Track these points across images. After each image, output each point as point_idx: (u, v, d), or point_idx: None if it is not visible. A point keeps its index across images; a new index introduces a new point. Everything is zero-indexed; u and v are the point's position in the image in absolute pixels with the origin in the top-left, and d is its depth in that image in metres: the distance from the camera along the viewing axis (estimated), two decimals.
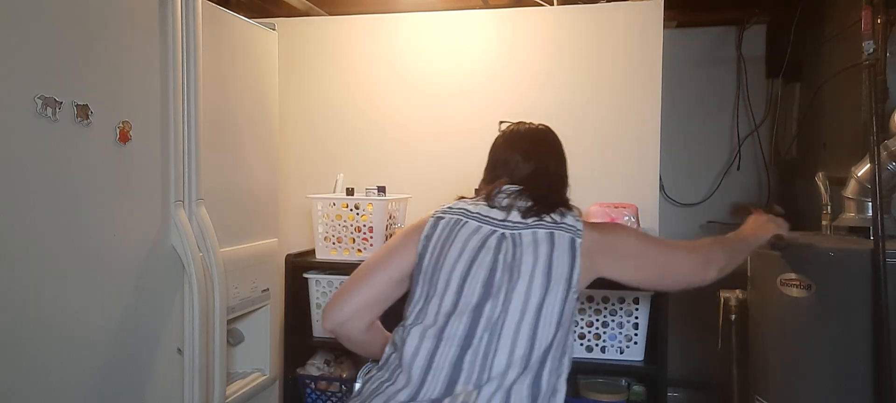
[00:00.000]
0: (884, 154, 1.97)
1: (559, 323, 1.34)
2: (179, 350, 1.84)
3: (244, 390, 2.13)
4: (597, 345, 2.21)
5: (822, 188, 2.19)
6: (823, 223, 2.19)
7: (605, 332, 2.21)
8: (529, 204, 1.46)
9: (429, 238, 1.45)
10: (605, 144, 2.65)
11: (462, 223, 1.45)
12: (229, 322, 2.01)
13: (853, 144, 2.42)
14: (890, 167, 1.98)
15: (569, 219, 1.44)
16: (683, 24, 3.26)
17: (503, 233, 1.41)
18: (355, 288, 1.48)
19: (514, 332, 1.31)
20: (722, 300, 2.40)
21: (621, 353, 2.20)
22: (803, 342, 1.99)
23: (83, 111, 1.52)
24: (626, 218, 2.27)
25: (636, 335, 2.19)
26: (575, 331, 2.22)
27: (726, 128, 3.34)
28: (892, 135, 2.04)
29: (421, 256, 1.45)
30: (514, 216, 1.44)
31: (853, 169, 2.11)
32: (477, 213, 1.47)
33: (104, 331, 1.61)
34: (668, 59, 2.65)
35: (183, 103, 1.83)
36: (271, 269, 2.29)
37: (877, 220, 1.87)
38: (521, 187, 1.50)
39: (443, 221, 1.47)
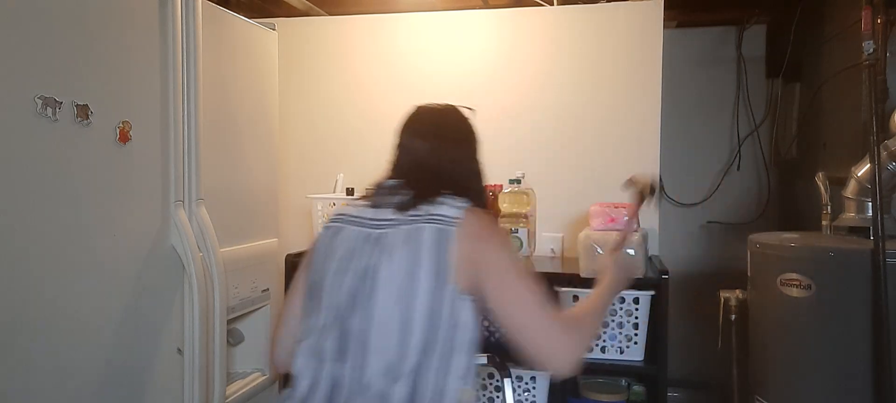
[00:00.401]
0: (884, 154, 1.97)
1: (437, 322, 1.22)
2: (179, 350, 1.84)
3: (244, 390, 2.13)
4: (597, 345, 2.21)
5: (822, 188, 2.19)
6: (823, 223, 2.19)
7: (605, 332, 2.20)
8: (407, 197, 1.33)
9: (316, 251, 1.37)
10: (605, 144, 2.65)
11: (341, 230, 1.35)
12: (229, 322, 2.01)
13: (853, 144, 2.42)
14: (890, 167, 1.98)
15: (445, 208, 1.28)
16: (683, 24, 3.26)
17: (370, 234, 1.31)
18: (278, 334, 1.42)
19: (383, 341, 1.21)
20: (722, 300, 2.40)
21: (621, 353, 2.20)
22: (803, 342, 1.99)
23: (83, 111, 1.52)
24: (626, 218, 2.27)
25: (636, 335, 2.18)
26: None
27: (726, 128, 3.34)
28: (892, 135, 2.04)
29: (308, 271, 1.37)
30: (387, 213, 1.32)
31: (853, 169, 2.11)
32: (355, 216, 1.37)
33: (104, 331, 1.61)
34: (668, 59, 2.65)
35: (183, 103, 1.83)
36: (271, 269, 2.29)
37: (877, 220, 1.87)
38: (401, 181, 1.38)
39: (328, 231, 1.38)
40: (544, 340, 1.23)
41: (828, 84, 2.80)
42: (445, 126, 1.50)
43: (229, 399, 2.02)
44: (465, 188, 1.39)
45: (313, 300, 1.33)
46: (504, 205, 2.32)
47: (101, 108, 1.56)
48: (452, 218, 1.27)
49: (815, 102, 2.95)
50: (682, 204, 3.37)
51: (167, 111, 1.79)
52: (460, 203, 1.30)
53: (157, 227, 1.77)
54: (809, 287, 1.94)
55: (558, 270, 2.37)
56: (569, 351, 1.23)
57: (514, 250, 1.25)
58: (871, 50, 1.93)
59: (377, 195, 1.39)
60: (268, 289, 2.26)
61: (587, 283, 2.18)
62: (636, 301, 2.17)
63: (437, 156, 1.42)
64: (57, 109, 1.45)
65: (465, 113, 1.54)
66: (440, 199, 1.31)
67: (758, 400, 2.16)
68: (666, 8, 2.59)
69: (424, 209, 1.29)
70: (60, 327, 1.49)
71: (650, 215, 2.57)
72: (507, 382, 1.58)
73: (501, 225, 1.34)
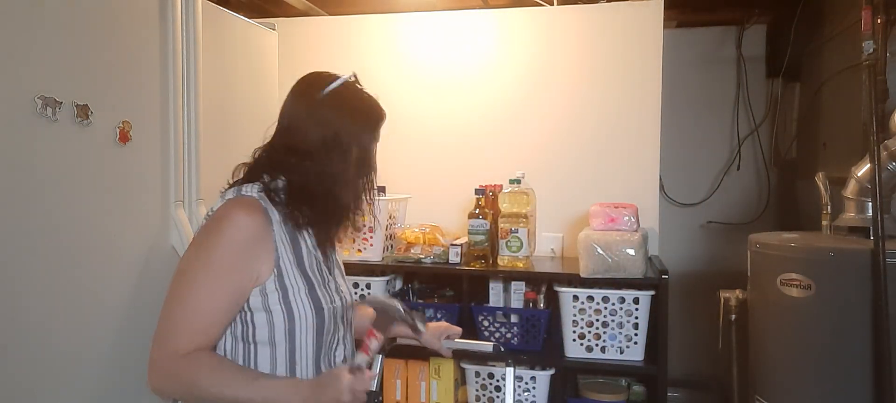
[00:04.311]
0: (884, 154, 1.97)
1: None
2: None
3: None
4: (597, 345, 2.21)
5: (822, 188, 2.19)
6: (823, 223, 2.19)
7: (605, 332, 2.21)
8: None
9: None
10: (605, 144, 2.65)
11: None
12: None
13: (853, 144, 2.42)
14: (890, 167, 1.98)
15: (217, 203, 1.22)
16: (683, 24, 3.26)
17: None
18: None
19: None
20: (722, 300, 2.40)
21: (621, 353, 2.20)
22: (803, 342, 1.99)
23: (83, 111, 1.52)
24: (626, 218, 2.27)
25: (636, 335, 2.19)
26: (574, 331, 2.22)
27: (726, 128, 3.34)
28: (892, 135, 2.04)
29: None
30: None
31: (853, 169, 2.11)
32: None
33: (104, 330, 1.61)
34: (668, 59, 2.65)
35: (183, 103, 1.83)
36: None
37: (877, 220, 1.87)
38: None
39: None
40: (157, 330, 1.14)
41: (828, 84, 2.80)
42: (285, 103, 1.29)
43: None
44: (244, 179, 1.26)
45: None
46: (504, 205, 2.32)
47: (101, 108, 1.56)
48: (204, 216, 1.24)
49: (815, 102, 2.95)
50: (682, 204, 3.37)
51: (167, 111, 1.79)
52: (227, 195, 1.22)
53: (157, 227, 1.77)
54: (809, 287, 1.94)
55: (558, 270, 2.37)
56: (152, 367, 1.11)
57: (216, 244, 1.14)
58: (871, 50, 1.93)
59: None
60: None
61: (587, 283, 2.19)
62: (636, 301, 2.17)
63: (271, 144, 1.29)
64: (57, 109, 1.45)
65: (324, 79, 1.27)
66: (228, 190, 1.24)
67: (758, 400, 2.16)
68: (666, 8, 2.59)
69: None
70: (60, 326, 1.49)
71: (650, 215, 2.58)
72: (509, 371, 1.56)
73: (232, 215, 1.15)
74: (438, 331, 1.54)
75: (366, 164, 1.26)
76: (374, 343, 1.23)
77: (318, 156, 1.21)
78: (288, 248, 1.21)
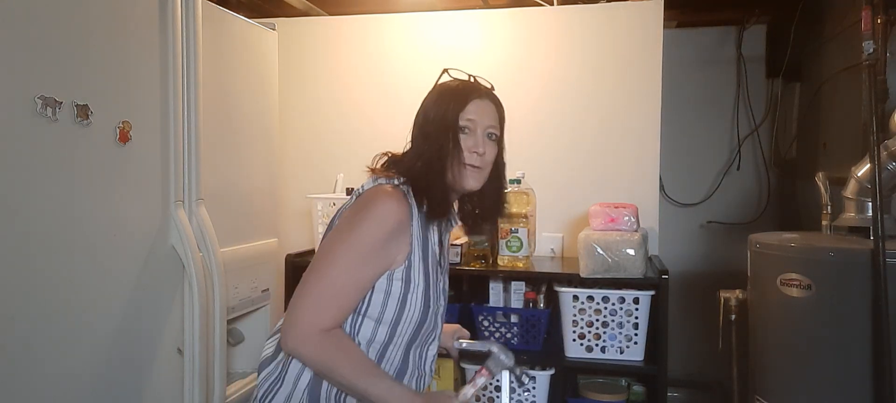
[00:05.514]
0: (884, 154, 1.97)
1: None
2: (179, 350, 1.84)
3: (244, 390, 2.13)
4: (597, 345, 2.21)
5: (822, 188, 2.19)
6: (823, 223, 2.19)
7: (605, 332, 2.20)
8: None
9: None
10: (605, 144, 2.65)
11: None
12: (229, 322, 2.01)
13: (853, 144, 2.42)
14: (890, 167, 1.98)
15: (360, 188, 1.32)
16: (683, 24, 3.26)
17: None
18: None
19: None
20: (722, 300, 2.41)
21: (621, 353, 2.20)
22: (803, 342, 1.99)
23: (83, 111, 1.52)
24: (626, 218, 2.27)
25: (636, 335, 2.18)
26: (574, 331, 2.22)
27: (726, 128, 3.35)
28: (892, 135, 2.04)
29: None
30: None
31: (853, 169, 2.11)
32: None
33: (104, 331, 1.61)
34: (668, 58, 2.65)
35: (183, 103, 1.82)
36: (271, 269, 2.29)
37: (877, 220, 1.87)
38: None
39: None
40: (294, 300, 1.23)
41: (828, 84, 2.80)
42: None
43: (229, 399, 2.01)
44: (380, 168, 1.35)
45: None
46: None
47: (101, 108, 1.56)
48: (349, 200, 1.32)
49: (815, 102, 2.95)
50: (682, 204, 3.38)
51: (167, 111, 1.79)
52: (369, 183, 1.31)
53: (157, 227, 1.77)
54: (809, 287, 1.94)
55: (558, 270, 2.37)
56: (297, 332, 1.19)
57: (364, 227, 1.22)
58: (871, 50, 1.93)
59: None
60: (268, 289, 2.26)
61: (587, 283, 2.19)
62: (636, 301, 2.17)
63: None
64: (57, 109, 1.45)
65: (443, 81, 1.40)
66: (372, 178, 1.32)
67: (758, 400, 2.16)
68: (666, 8, 2.59)
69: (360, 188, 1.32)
70: (60, 327, 1.49)
71: (650, 215, 2.58)
72: (505, 373, 1.57)
73: (380, 201, 1.23)
74: (451, 332, 1.60)
75: (454, 145, 1.28)
76: (482, 380, 1.38)
77: (417, 144, 1.31)
78: (419, 244, 1.28)
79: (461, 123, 1.28)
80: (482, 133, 1.30)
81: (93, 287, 1.57)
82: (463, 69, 1.42)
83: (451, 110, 1.29)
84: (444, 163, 1.27)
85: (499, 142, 1.35)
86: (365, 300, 1.26)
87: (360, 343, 1.26)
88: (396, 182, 1.28)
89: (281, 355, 1.29)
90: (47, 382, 1.47)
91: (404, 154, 1.34)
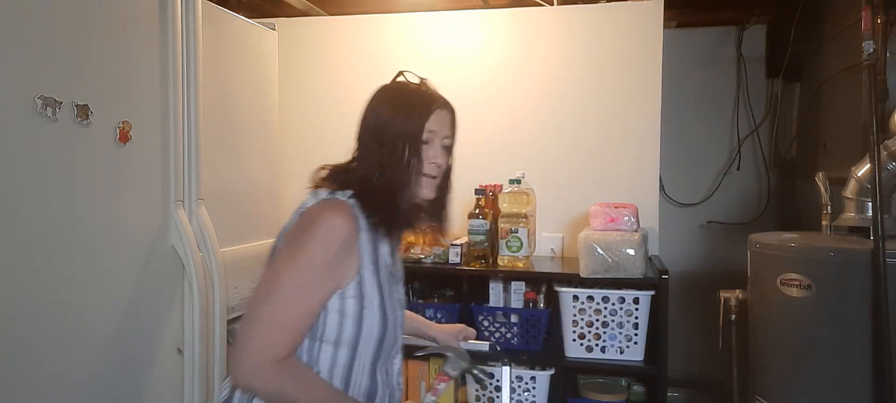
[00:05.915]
0: (884, 154, 1.97)
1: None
2: (179, 350, 1.84)
3: None
4: (597, 345, 2.21)
5: (822, 188, 2.19)
6: (823, 223, 2.19)
7: (605, 332, 2.20)
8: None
9: None
10: (605, 144, 2.65)
11: None
12: (229, 322, 2.01)
13: (853, 144, 2.42)
14: (890, 167, 1.98)
15: (302, 205, 1.25)
16: (683, 24, 3.26)
17: None
18: None
19: None
20: (722, 300, 2.40)
21: (621, 353, 2.20)
22: (803, 342, 1.99)
23: (83, 111, 1.52)
24: (626, 218, 2.27)
25: (636, 335, 2.18)
26: (574, 331, 2.22)
27: (726, 128, 3.34)
28: (892, 135, 2.04)
29: None
30: None
31: (853, 169, 2.11)
32: None
33: (104, 331, 1.61)
34: (668, 59, 2.65)
35: (183, 103, 1.83)
36: None
37: (877, 220, 1.87)
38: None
39: None
40: (241, 329, 1.15)
41: (828, 84, 2.80)
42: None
43: None
44: (331, 181, 1.28)
45: None
46: (504, 205, 2.32)
47: (101, 108, 1.56)
48: (296, 211, 1.25)
49: (815, 102, 2.95)
50: (682, 204, 3.37)
51: (167, 111, 1.79)
52: (319, 194, 1.25)
53: (157, 227, 1.77)
54: (809, 287, 1.94)
55: (558, 270, 2.37)
56: (246, 365, 1.11)
57: (311, 245, 1.16)
58: (871, 50, 1.93)
59: None
60: None
61: (587, 283, 2.19)
62: (636, 301, 2.17)
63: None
64: (57, 109, 1.45)
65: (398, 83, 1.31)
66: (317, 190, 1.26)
67: (758, 400, 2.16)
68: (666, 8, 2.59)
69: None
70: (60, 326, 1.49)
71: (650, 215, 2.58)
72: (505, 370, 1.57)
73: (325, 217, 1.17)
74: (455, 332, 1.57)
75: (414, 156, 1.23)
76: (442, 385, 1.34)
77: (372, 152, 1.24)
78: (370, 257, 1.22)
79: (424, 136, 1.25)
80: (440, 143, 1.27)
81: (93, 287, 1.57)
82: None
83: (414, 120, 1.24)
84: (408, 174, 1.23)
85: (450, 148, 1.32)
86: (320, 323, 1.19)
87: (320, 371, 1.20)
88: (340, 195, 1.23)
89: (237, 394, 1.21)
90: (47, 382, 1.47)
91: (351, 163, 1.27)
